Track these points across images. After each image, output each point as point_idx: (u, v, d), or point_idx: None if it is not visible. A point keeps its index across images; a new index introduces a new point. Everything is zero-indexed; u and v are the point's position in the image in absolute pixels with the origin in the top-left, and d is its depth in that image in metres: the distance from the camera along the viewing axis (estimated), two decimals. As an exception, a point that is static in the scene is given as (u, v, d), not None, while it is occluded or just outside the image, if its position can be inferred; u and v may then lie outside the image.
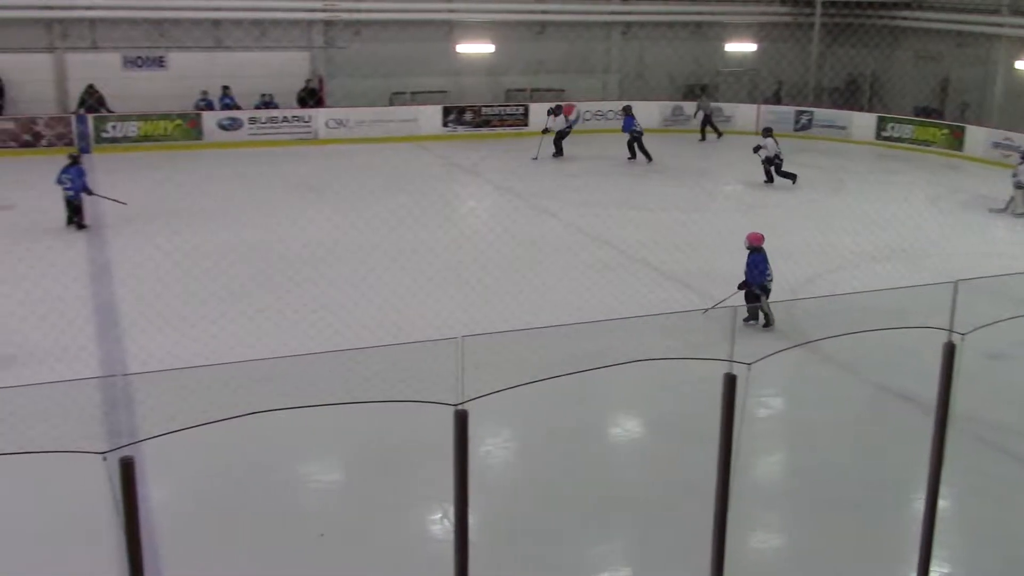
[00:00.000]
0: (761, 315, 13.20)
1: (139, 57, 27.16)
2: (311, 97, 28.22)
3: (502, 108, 29.74)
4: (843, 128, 29.58)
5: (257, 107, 27.66)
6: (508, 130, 29.18)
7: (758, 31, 32.21)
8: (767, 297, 13.22)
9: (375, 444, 9.66)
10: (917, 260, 16.48)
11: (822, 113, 30.26)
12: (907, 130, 28.63)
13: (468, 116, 29.19)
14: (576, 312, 12.82)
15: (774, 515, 9.23)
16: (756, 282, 13.14)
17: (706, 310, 13.04)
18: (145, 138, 25.91)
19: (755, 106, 31.00)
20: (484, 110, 29.41)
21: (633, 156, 25.35)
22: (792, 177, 22.49)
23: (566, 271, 15.17)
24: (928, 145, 27.92)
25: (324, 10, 28.36)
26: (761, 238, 13.45)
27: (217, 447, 8.96)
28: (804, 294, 14.51)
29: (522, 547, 8.25)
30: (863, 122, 29.47)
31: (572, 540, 8.43)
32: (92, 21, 26.43)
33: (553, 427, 10.39)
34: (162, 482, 8.83)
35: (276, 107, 27.73)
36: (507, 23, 30.39)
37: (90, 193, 17.55)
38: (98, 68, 26.47)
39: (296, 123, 27.52)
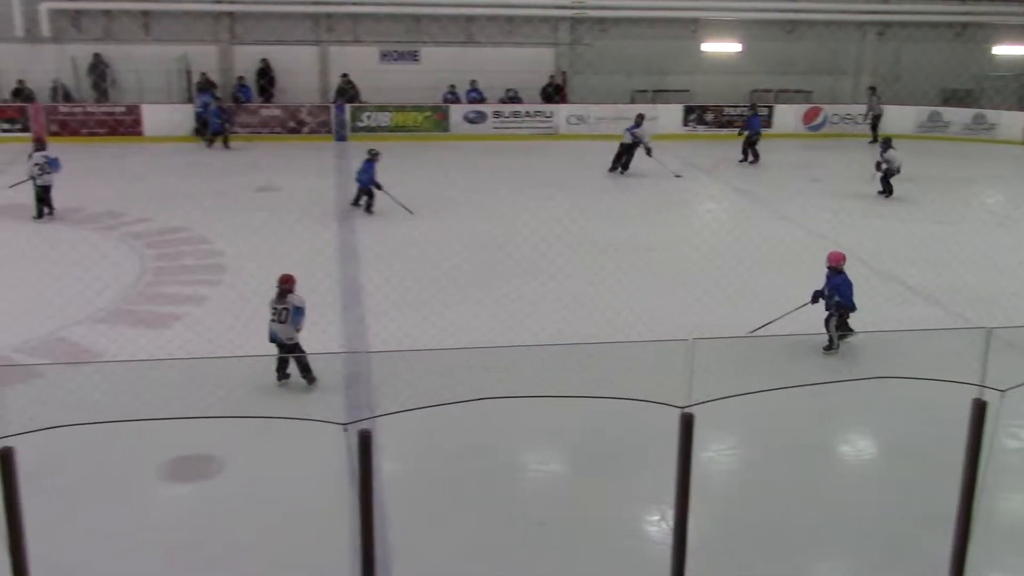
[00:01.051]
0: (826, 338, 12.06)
1: (395, 51, 28.59)
2: (556, 93, 28.70)
3: (746, 109, 29.10)
4: None
5: (502, 101, 28.46)
6: (751, 131, 28.48)
7: (1034, 33, 29.85)
8: (836, 320, 12.02)
9: (598, 438, 9.71)
10: None
11: (1104, 123, 27.67)
12: None
13: (709, 116, 28.74)
14: (812, 322, 12.35)
15: (1021, 559, 8.55)
16: (849, 304, 11.90)
17: (755, 329, 12.06)
18: (397, 128, 27.25)
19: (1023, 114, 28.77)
20: (727, 110, 28.87)
21: (745, 159, 24.86)
22: (888, 191, 20.80)
23: (804, 278, 14.63)
24: None
25: (573, 7, 28.75)
26: (842, 258, 12.14)
27: (446, 427, 9.28)
28: (1070, 319, 13.33)
29: (741, 557, 8.06)
30: None
31: (793, 557, 8.15)
32: (356, 16, 28.08)
33: (780, 439, 10.08)
34: (393, 455, 9.26)
35: (520, 102, 28.43)
36: (756, 21, 29.69)
37: (378, 187, 18.70)
38: (356, 61, 28.12)
39: (538, 118, 28.07)
